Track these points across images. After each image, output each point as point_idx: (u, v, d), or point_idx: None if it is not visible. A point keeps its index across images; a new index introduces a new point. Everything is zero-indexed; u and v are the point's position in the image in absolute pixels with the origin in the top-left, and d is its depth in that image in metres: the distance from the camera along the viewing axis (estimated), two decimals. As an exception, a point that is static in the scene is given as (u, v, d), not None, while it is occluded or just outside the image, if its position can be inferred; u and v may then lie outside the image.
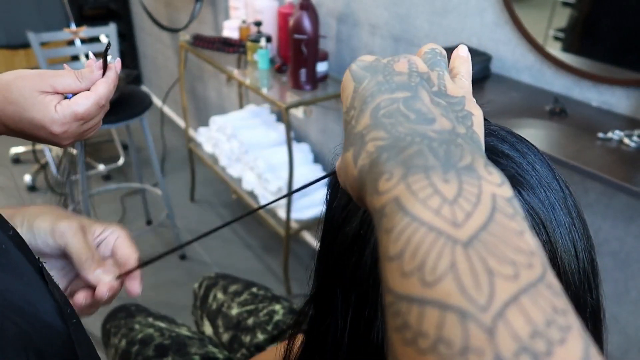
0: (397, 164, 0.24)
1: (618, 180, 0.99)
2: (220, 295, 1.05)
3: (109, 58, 0.53)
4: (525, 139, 0.38)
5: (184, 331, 0.98)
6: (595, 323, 0.38)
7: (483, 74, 1.43)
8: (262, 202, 2.18)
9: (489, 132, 0.38)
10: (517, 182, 0.35)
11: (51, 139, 0.50)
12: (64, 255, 0.48)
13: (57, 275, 0.49)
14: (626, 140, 1.12)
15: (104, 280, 0.46)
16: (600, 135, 1.14)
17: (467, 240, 0.21)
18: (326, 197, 0.40)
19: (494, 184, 0.24)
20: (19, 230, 0.44)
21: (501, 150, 0.36)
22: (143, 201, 2.61)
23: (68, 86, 0.49)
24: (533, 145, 0.38)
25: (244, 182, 2.27)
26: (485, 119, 0.40)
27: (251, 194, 2.24)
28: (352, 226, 0.35)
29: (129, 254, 0.50)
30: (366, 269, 0.35)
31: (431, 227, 0.21)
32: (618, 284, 1.35)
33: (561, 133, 1.19)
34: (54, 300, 0.36)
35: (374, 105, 0.28)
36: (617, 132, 1.14)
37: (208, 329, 1.05)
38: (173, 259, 2.35)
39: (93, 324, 1.93)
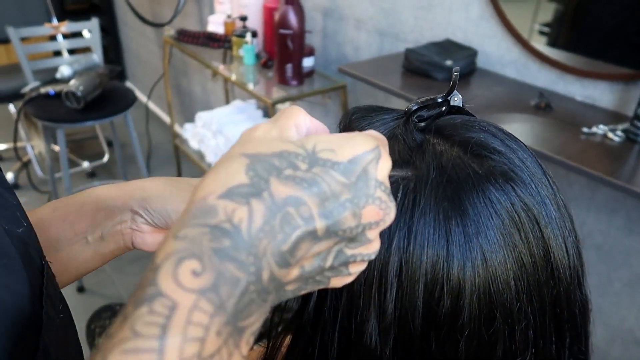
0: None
1: (602, 174, 1.00)
2: None
3: None
4: (514, 136, 0.38)
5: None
6: (584, 319, 0.38)
7: (468, 68, 1.43)
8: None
9: (479, 128, 0.37)
10: (509, 178, 0.34)
11: None
12: None
13: None
14: (610, 135, 1.13)
15: None
16: (585, 129, 1.15)
17: None
18: None
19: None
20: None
21: (493, 146, 0.36)
22: (128, 198, 2.58)
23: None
24: (522, 142, 0.38)
25: (231, 178, 2.25)
26: (472, 115, 0.40)
27: (238, 190, 2.23)
28: None
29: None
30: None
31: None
32: (601, 276, 1.37)
33: (546, 127, 1.19)
34: (30, 286, 0.34)
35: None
36: (601, 126, 1.15)
37: None
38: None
39: (77, 324, 1.91)
